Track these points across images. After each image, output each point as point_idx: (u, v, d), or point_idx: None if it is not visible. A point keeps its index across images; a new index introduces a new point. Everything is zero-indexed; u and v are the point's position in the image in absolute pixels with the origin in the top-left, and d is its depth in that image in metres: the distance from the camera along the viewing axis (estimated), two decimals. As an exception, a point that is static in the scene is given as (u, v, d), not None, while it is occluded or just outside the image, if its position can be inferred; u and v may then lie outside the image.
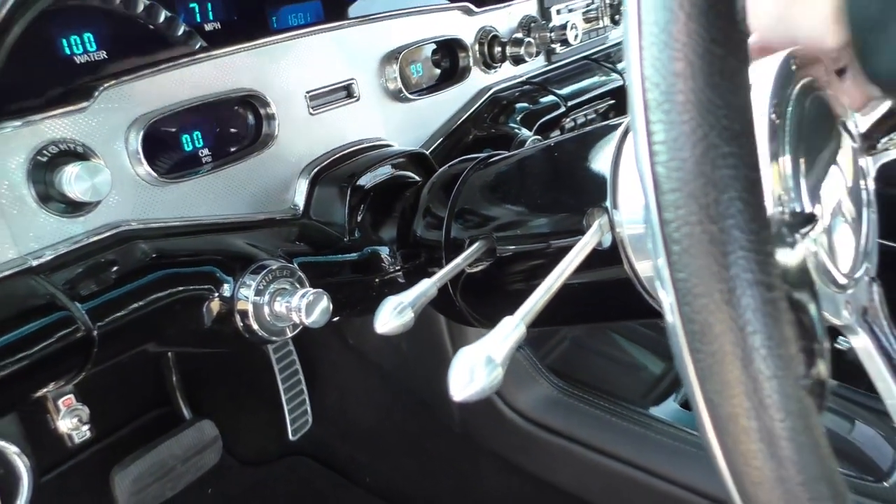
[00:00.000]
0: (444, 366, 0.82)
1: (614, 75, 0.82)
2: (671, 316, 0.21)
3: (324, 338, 1.03)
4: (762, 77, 0.34)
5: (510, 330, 0.31)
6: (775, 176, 0.33)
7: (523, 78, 0.76)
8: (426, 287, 0.39)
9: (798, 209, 0.32)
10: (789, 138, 0.33)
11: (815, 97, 0.35)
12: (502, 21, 0.72)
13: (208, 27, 0.51)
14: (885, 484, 0.82)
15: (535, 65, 0.77)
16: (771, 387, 0.19)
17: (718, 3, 0.19)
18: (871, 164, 0.41)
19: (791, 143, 0.33)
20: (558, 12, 0.79)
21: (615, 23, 0.88)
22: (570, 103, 0.75)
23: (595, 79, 0.80)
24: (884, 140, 0.41)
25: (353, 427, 1.09)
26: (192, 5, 0.50)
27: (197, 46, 0.49)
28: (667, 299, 0.21)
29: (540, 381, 0.96)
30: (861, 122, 0.40)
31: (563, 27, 0.76)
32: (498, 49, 0.70)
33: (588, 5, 0.84)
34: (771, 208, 0.30)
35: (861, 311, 0.37)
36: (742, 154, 0.19)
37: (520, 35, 0.72)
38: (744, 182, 0.19)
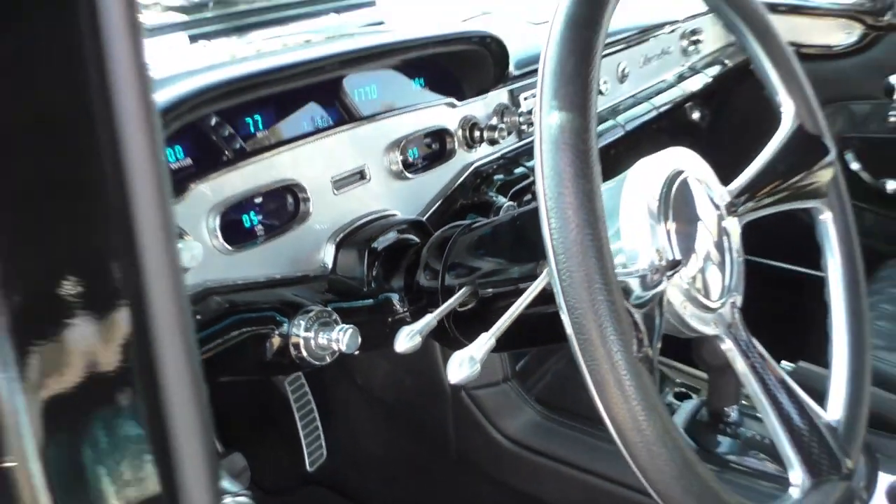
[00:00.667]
0: (441, 400, 1.02)
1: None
2: (567, 322, 0.37)
3: (334, 379, 1.18)
4: (650, 171, 0.52)
5: (485, 341, 0.48)
6: (659, 235, 0.50)
7: (499, 154, 0.93)
8: (429, 320, 0.55)
9: (671, 257, 0.48)
10: (666, 210, 0.50)
11: (684, 182, 0.52)
12: (480, 110, 0.90)
13: (259, 135, 0.68)
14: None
15: (508, 142, 0.95)
16: (618, 356, 0.35)
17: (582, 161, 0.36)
18: (736, 224, 0.58)
19: (667, 214, 0.50)
20: (525, 99, 0.97)
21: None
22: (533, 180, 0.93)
23: None
24: (741, 208, 0.58)
25: (362, 457, 1.23)
26: (246, 120, 0.68)
27: (251, 150, 0.66)
28: (565, 317, 0.38)
29: (526, 409, 1.11)
30: (725, 196, 0.57)
31: (530, 112, 0.94)
32: (477, 133, 0.87)
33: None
34: (646, 261, 0.47)
35: (727, 326, 0.54)
36: (596, 234, 0.36)
37: (494, 121, 0.90)
38: (597, 252, 0.35)
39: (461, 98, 0.87)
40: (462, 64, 0.87)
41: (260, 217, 0.66)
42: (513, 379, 1.11)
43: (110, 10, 0.21)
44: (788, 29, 1.60)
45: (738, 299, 0.56)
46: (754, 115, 1.24)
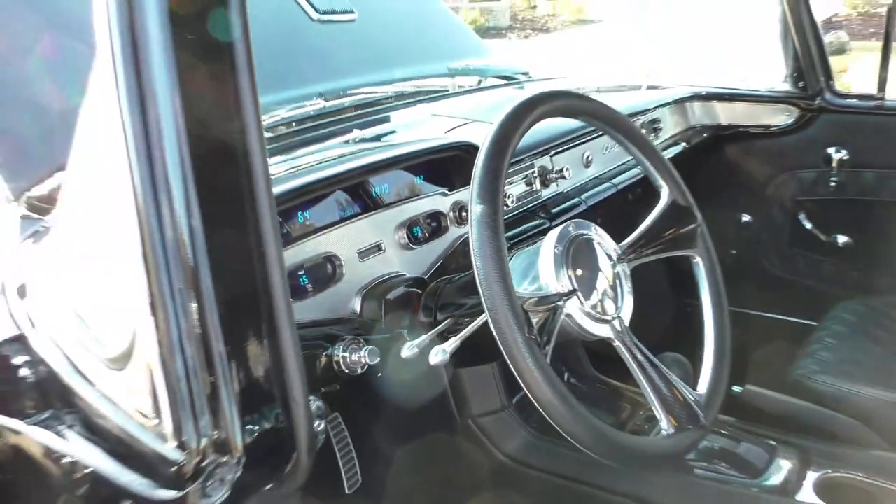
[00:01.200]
0: (452, 427, 1.33)
1: (541, 220, 1.29)
2: (489, 320, 0.66)
3: (366, 418, 1.44)
4: (558, 235, 0.81)
5: (453, 342, 0.76)
6: (562, 276, 0.79)
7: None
8: (453, 343, 0.82)
9: (571, 289, 0.77)
10: (567, 259, 0.79)
11: (585, 238, 0.82)
12: (466, 195, 1.20)
13: (307, 222, 0.99)
14: (758, 480, 1.21)
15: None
16: (515, 338, 0.64)
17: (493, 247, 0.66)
18: (626, 268, 0.86)
19: (569, 262, 0.79)
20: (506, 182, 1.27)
21: (545, 185, 1.36)
22: (513, 241, 1.22)
23: (529, 224, 1.28)
24: (629, 258, 0.87)
25: (390, 480, 1.48)
26: (298, 213, 0.99)
27: (303, 233, 0.97)
28: (488, 318, 0.67)
29: (522, 432, 1.37)
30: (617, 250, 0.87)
31: (506, 195, 1.24)
32: (465, 213, 1.17)
33: (525, 177, 1.33)
34: (550, 290, 0.76)
35: (617, 332, 0.82)
36: (501, 270, 0.65)
37: None
38: (502, 280, 0.64)
39: (452, 188, 1.17)
40: (450, 164, 1.18)
41: (309, 278, 0.96)
42: (509, 408, 1.38)
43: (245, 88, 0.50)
44: (737, 114, 1.91)
45: (627, 316, 0.84)
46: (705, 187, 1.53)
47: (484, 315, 0.71)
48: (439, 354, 0.76)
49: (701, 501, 1.18)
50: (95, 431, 0.63)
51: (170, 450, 0.53)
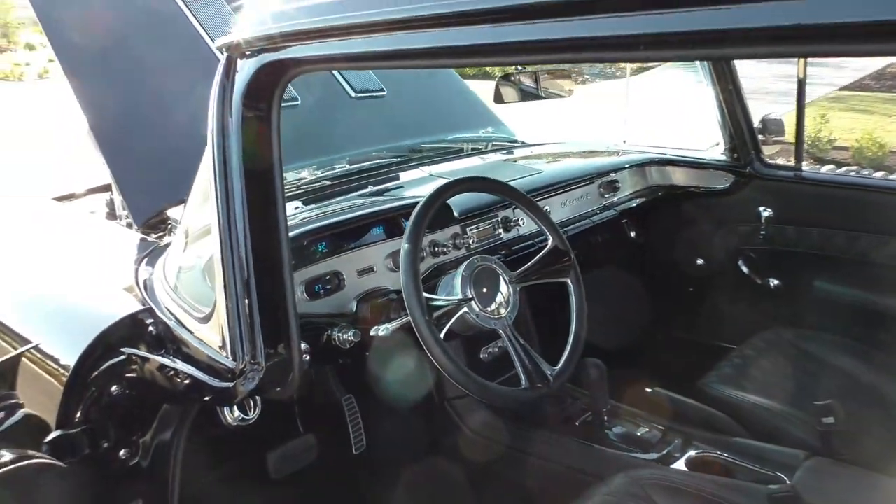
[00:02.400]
0: (433, 409, 1.89)
1: (499, 255, 1.77)
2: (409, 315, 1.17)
3: (372, 401, 1.92)
4: (463, 268, 1.31)
5: (394, 324, 1.27)
6: (466, 292, 1.28)
7: (451, 258, 1.73)
8: (388, 326, 1.33)
9: (469, 297, 1.26)
10: (470, 281, 1.28)
11: (485, 265, 1.31)
12: (440, 235, 1.70)
13: (324, 250, 1.51)
14: (648, 454, 1.65)
15: (456, 254, 1.73)
16: (419, 322, 1.13)
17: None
18: (516, 288, 1.35)
19: (471, 283, 1.28)
20: (470, 230, 1.76)
21: (506, 230, 1.85)
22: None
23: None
24: (519, 282, 1.35)
25: (386, 446, 1.96)
26: (319, 244, 1.50)
27: (320, 258, 1.49)
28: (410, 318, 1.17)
29: (484, 412, 1.85)
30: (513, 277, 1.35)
31: (469, 236, 1.73)
32: (438, 248, 1.67)
33: (491, 223, 1.82)
34: (453, 298, 1.25)
35: (503, 328, 1.30)
36: (415, 285, 1.14)
37: (448, 242, 1.70)
38: (416, 292, 1.14)
39: (431, 230, 1.68)
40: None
41: (322, 287, 1.47)
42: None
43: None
44: (687, 177, 2.36)
45: (513, 317, 1.32)
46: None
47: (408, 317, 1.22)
48: (380, 331, 1.28)
49: (604, 465, 1.62)
50: (189, 358, 1.16)
51: (228, 362, 1.05)
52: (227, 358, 1.05)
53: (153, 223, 1.71)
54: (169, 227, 1.73)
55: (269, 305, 1.04)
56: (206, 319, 1.11)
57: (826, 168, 6.70)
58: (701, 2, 0.50)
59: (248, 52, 1.01)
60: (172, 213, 1.73)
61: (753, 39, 0.49)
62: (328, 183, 1.84)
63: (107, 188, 2.30)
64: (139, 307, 1.27)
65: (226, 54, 1.04)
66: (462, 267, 1.32)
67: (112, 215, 2.15)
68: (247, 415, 1.38)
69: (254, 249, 1.02)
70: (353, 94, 2.21)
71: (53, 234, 2.00)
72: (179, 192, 1.67)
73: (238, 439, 1.54)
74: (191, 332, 1.15)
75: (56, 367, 1.23)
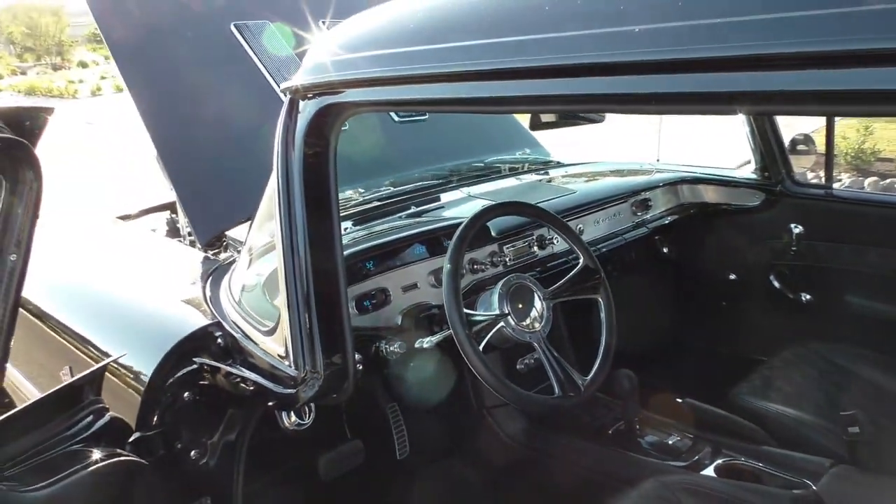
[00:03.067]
0: (472, 416, 2.05)
1: (535, 271, 1.88)
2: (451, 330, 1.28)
3: (416, 410, 2.02)
4: (501, 281, 1.42)
5: (430, 339, 1.38)
6: (503, 308, 1.39)
7: (490, 274, 1.83)
8: (431, 339, 1.45)
9: (505, 313, 1.37)
10: (507, 297, 1.39)
11: (520, 282, 1.42)
12: (479, 254, 1.81)
13: (372, 268, 1.64)
14: (677, 461, 1.74)
15: (494, 270, 1.85)
16: (460, 336, 1.25)
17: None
18: (550, 304, 1.45)
19: (508, 299, 1.39)
20: (506, 250, 1.87)
21: (541, 248, 1.95)
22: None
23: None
24: (553, 299, 1.46)
25: (427, 453, 2.07)
26: (367, 262, 1.63)
27: (367, 274, 1.61)
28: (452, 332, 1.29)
29: (523, 420, 1.95)
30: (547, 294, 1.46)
31: (503, 254, 1.84)
32: (476, 266, 1.78)
33: (526, 241, 1.93)
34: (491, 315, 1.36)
35: (538, 341, 1.41)
36: (457, 301, 1.26)
37: (486, 259, 1.81)
38: (457, 308, 1.26)
39: (471, 249, 1.79)
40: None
41: (371, 302, 1.59)
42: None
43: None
44: (718, 195, 2.44)
45: (546, 330, 1.42)
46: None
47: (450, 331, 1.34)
48: (424, 344, 1.39)
49: (635, 471, 1.71)
50: (254, 366, 1.29)
51: (291, 370, 1.17)
52: (290, 367, 1.18)
53: (213, 242, 1.87)
54: (225, 244, 1.89)
55: (327, 319, 1.17)
56: (271, 332, 1.24)
57: (870, 180, 6.64)
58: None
59: (309, 95, 1.14)
60: (231, 232, 1.88)
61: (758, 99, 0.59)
62: (375, 204, 1.96)
63: (164, 208, 2.48)
64: (208, 321, 1.41)
65: (289, 97, 1.18)
66: (499, 284, 1.43)
67: (173, 233, 2.32)
68: (303, 420, 1.50)
69: (313, 267, 1.14)
70: (396, 118, 2.34)
71: (123, 252, 2.17)
72: (238, 214, 1.83)
73: (292, 443, 1.66)
74: (256, 344, 1.29)
75: (136, 376, 1.38)
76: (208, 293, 1.53)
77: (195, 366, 1.37)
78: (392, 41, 0.99)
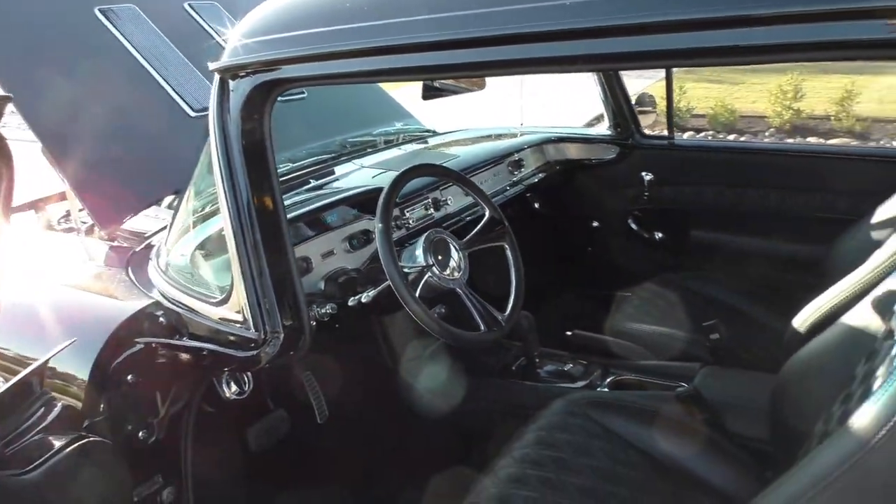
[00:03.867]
0: (388, 375, 2.19)
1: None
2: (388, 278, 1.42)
3: (332, 373, 2.14)
4: (426, 237, 1.57)
5: (366, 294, 1.51)
6: (424, 258, 1.55)
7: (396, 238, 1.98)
8: (367, 294, 1.57)
9: (431, 264, 1.53)
10: (430, 248, 1.55)
11: (439, 236, 1.58)
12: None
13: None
14: (561, 383, 1.98)
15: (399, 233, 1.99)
16: (399, 286, 1.39)
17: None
18: (465, 254, 1.62)
19: (431, 250, 1.55)
20: (406, 213, 2.01)
21: (437, 209, 2.11)
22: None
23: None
24: (467, 248, 1.63)
25: (347, 412, 2.19)
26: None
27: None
28: (391, 285, 1.42)
29: (437, 372, 2.11)
30: (461, 245, 1.63)
31: (406, 217, 1.98)
32: None
33: (423, 204, 2.08)
34: (419, 265, 1.51)
35: (459, 285, 1.57)
36: (389, 252, 1.39)
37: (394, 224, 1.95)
38: (391, 260, 1.39)
39: (372, 216, 1.91)
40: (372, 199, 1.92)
41: (294, 270, 1.68)
42: (424, 357, 2.12)
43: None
44: (580, 151, 2.71)
45: (465, 277, 1.59)
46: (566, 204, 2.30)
47: (387, 281, 1.46)
48: (360, 297, 1.52)
49: (542, 398, 1.92)
50: (206, 337, 1.35)
51: (251, 334, 1.26)
52: (250, 331, 1.26)
53: (114, 230, 1.86)
54: (122, 234, 1.89)
55: (279, 282, 1.26)
56: (223, 302, 1.31)
57: (687, 135, 7.40)
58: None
59: (241, 74, 1.22)
60: (131, 221, 1.88)
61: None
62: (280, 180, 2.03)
63: (48, 200, 2.38)
64: (146, 302, 1.44)
65: (218, 77, 1.24)
66: (421, 239, 1.57)
67: (55, 224, 2.26)
68: (243, 389, 1.58)
69: (262, 236, 1.23)
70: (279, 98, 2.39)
71: (20, 248, 2.08)
72: (139, 201, 1.84)
73: (222, 419, 1.72)
74: (205, 316, 1.35)
75: (80, 365, 1.39)
76: (134, 278, 1.55)
77: (137, 347, 1.41)
78: (322, 19, 1.10)
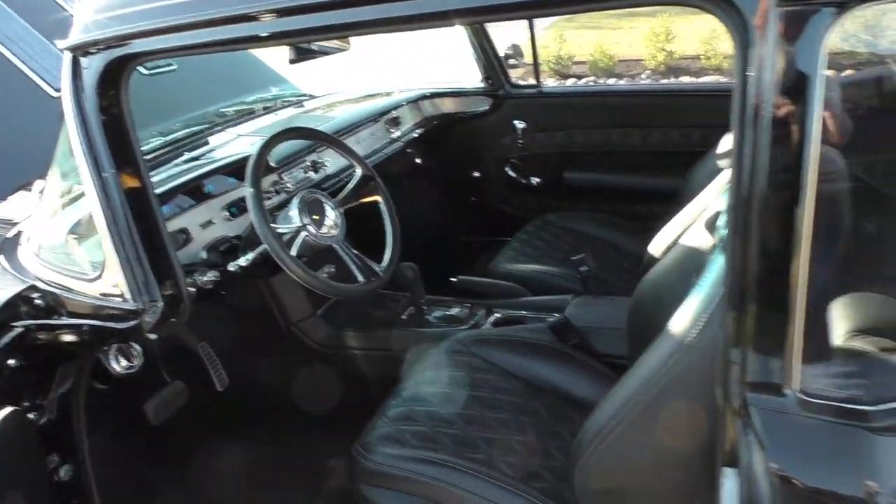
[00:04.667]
0: (281, 335, 2.25)
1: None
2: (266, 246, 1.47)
3: (227, 335, 2.17)
4: (297, 196, 1.63)
5: (244, 259, 1.57)
6: (303, 219, 1.61)
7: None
8: (245, 258, 1.62)
9: (305, 224, 1.59)
10: (304, 210, 1.61)
11: (313, 196, 1.64)
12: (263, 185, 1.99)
13: (167, 213, 1.74)
14: (460, 326, 2.10)
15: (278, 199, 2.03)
16: (273, 246, 1.45)
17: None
18: (341, 211, 1.70)
19: (306, 211, 1.61)
20: (283, 178, 2.05)
21: (315, 172, 2.16)
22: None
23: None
24: (341, 205, 1.70)
25: (246, 378, 2.24)
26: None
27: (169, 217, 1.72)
28: (266, 245, 1.48)
29: (326, 328, 2.19)
30: (335, 203, 1.70)
31: (284, 181, 2.02)
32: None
33: (303, 168, 2.12)
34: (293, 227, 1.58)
35: (336, 241, 1.65)
36: (261, 213, 1.45)
37: (270, 189, 1.99)
38: (263, 220, 1.45)
39: (253, 182, 1.95)
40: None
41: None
42: (315, 315, 2.19)
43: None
44: (456, 105, 2.80)
45: (342, 234, 1.67)
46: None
47: (264, 245, 1.53)
48: (240, 261, 1.57)
49: (430, 342, 2.03)
50: (86, 314, 1.38)
51: (130, 305, 1.29)
52: (128, 302, 1.30)
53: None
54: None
55: (153, 252, 1.30)
56: (97, 278, 1.33)
57: (570, 82, 7.64)
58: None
59: (92, 51, 1.23)
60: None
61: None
62: (151, 156, 2.02)
63: None
64: (21, 287, 1.44)
65: (70, 55, 1.25)
66: (294, 200, 1.63)
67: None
68: (132, 363, 1.61)
69: (131, 208, 1.26)
70: (145, 71, 2.36)
71: None
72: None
73: (121, 395, 1.75)
74: (82, 293, 1.37)
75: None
76: (7, 264, 1.54)
77: (16, 332, 1.41)
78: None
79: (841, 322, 0.86)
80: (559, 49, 8.26)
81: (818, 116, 0.72)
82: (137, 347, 1.62)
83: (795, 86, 0.73)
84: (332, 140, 1.89)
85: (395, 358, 2.14)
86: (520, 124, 2.73)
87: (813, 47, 0.71)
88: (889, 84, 0.85)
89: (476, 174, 2.91)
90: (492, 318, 2.13)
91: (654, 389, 1.09)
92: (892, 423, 0.77)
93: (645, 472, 1.17)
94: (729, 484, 0.90)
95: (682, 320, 1.09)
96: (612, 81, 7.86)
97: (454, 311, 2.18)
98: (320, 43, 1.96)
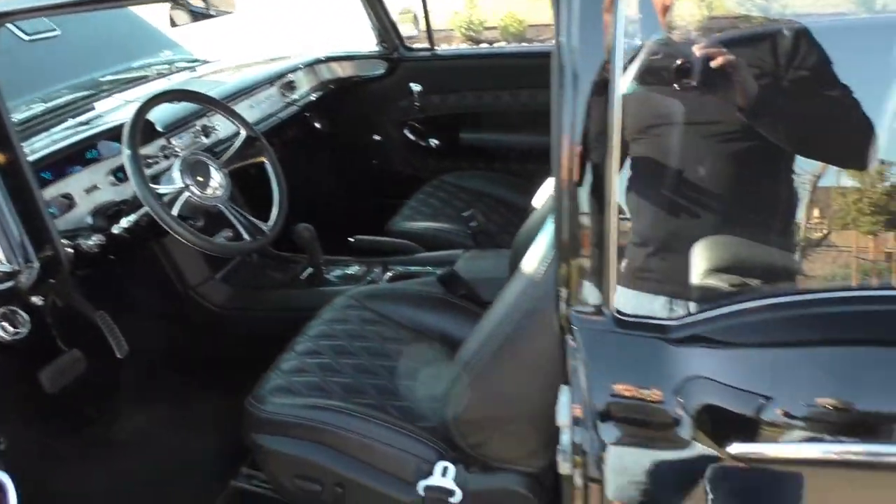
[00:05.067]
0: (180, 301, 2.26)
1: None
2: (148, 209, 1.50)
3: (129, 303, 2.17)
4: (178, 158, 1.66)
5: (125, 221, 1.59)
6: (187, 181, 1.63)
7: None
8: (127, 220, 1.64)
9: (188, 185, 1.62)
10: (186, 171, 1.63)
11: (196, 158, 1.67)
12: (150, 150, 1.98)
13: (51, 178, 1.73)
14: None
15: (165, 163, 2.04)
16: (154, 207, 1.48)
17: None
18: (225, 172, 1.73)
19: (188, 172, 1.63)
20: (172, 142, 2.05)
21: (206, 136, 2.17)
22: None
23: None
24: (226, 167, 1.73)
25: (146, 344, 2.25)
26: (42, 173, 1.71)
27: (47, 183, 1.71)
28: (148, 209, 1.51)
29: (226, 290, 2.22)
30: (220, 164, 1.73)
31: (173, 145, 2.03)
32: (149, 160, 1.96)
33: (194, 132, 2.12)
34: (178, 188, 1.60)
35: (221, 201, 1.69)
36: (140, 176, 1.47)
37: (158, 153, 1.99)
38: (143, 184, 1.47)
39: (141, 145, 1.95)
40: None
41: (56, 208, 1.69)
42: (213, 279, 2.22)
43: None
44: (352, 68, 2.83)
45: (227, 195, 1.71)
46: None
47: (145, 206, 1.55)
48: (122, 224, 1.58)
49: (329, 301, 2.09)
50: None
51: (5, 267, 1.31)
52: (2, 265, 1.31)
53: None
54: None
55: (27, 216, 1.31)
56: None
57: (483, 46, 7.71)
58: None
59: (-52, 13, 1.22)
60: None
61: None
62: (33, 123, 1.98)
63: None
64: None
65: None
66: (176, 162, 1.65)
67: None
68: (17, 329, 1.61)
69: (2, 176, 1.27)
70: (25, 37, 2.29)
71: None
72: None
73: (10, 365, 1.74)
74: None
75: None
76: None
77: None
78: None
79: (649, 251, 0.98)
80: (471, 14, 8.30)
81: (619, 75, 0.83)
82: (23, 314, 1.62)
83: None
84: (213, 102, 1.91)
85: (295, 318, 2.19)
86: (416, 87, 2.78)
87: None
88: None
89: (377, 137, 2.96)
90: (387, 275, 2.21)
91: (510, 324, 1.20)
92: (685, 335, 0.90)
93: (510, 400, 1.28)
94: (563, 398, 1.01)
95: (532, 260, 1.19)
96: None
97: (352, 269, 2.24)
98: (201, 4, 1.97)
